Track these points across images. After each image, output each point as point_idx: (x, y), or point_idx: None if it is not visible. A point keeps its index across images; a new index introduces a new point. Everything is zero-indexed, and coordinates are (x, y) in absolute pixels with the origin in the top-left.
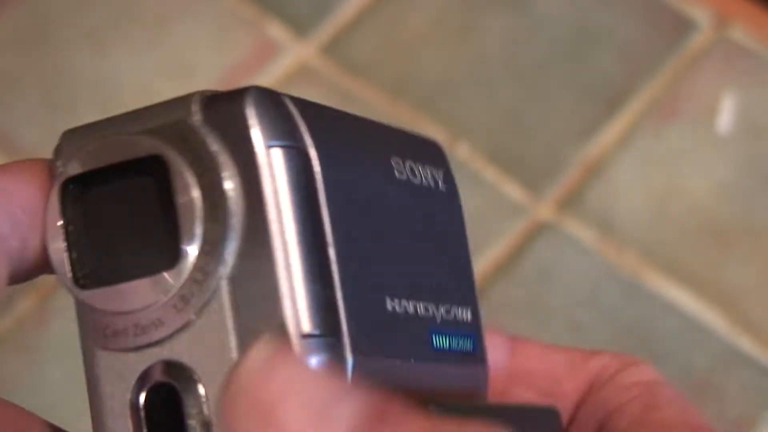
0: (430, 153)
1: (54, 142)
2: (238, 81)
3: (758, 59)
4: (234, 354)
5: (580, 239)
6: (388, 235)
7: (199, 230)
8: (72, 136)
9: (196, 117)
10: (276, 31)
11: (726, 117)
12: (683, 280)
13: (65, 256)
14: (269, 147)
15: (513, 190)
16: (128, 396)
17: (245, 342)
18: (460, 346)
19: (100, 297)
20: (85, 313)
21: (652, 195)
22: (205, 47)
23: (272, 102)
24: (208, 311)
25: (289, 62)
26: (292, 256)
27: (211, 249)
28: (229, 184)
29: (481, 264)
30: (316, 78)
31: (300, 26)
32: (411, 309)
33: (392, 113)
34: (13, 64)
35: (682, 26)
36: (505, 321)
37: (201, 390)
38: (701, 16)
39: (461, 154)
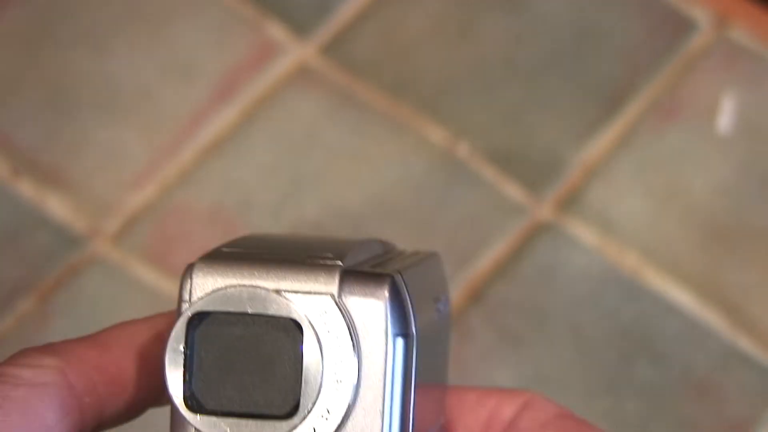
0: (442, 277)
1: (53, 142)
2: (238, 81)
3: (758, 59)
4: None
5: (580, 239)
6: (429, 378)
7: (320, 395)
8: (206, 269)
9: (335, 293)
10: (276, 31)
11: (726, 117)
12: (683, 280)
13: (181, 379)
14: (395, 337)
15: (513, 190)
16: None
17: None
18: None
19: (209, 424)
20: (185, 430)
21: (652, 195)
22: (205, 47)
23: (401, 293)
24: None
25: (289, 62)
26: (393, 429)
27: (327, 414)
28: (355, 364)
29: (481, 264)
30: (316, 78)
31: (300, 26)
32: None
33: (392, 113)
34: (13, 64)
35: (682, 26)
36: (505, 321)
37: None
38: (701, 16)
39: (461, 154)
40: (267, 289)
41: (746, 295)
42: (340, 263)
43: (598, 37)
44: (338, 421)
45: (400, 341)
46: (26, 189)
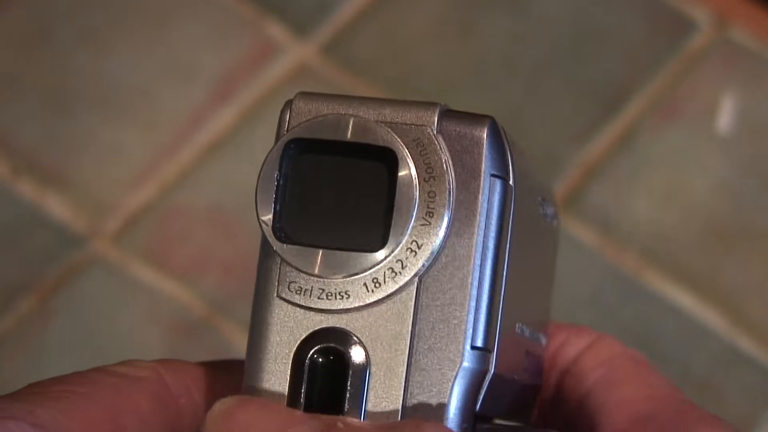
0: (552, 191)
1: (53, 142)
2: (238, 81)
3: (758, 59)
4: (407, 345)
5: (580, 239)
6: (526, 263)
7: (410, 228)
8: (307, 99)
9: (434, 126)
10: (276, 31)
11: (726, 117)
12: (683, 280)
13: (271, 206)
14: (492, 176)
15: None
16: (294, 348)
17: (418, 337)
18: (533, 366)
19: (296, 254)
20: (272, 261)
21: (652, 195)
22: (205, 47)
23: (500, 135)
24: (395, 300)
25: (289, 62)
26: (484, 277)
27: (416, 248)
28: (450, 197)
29: None
30: (316, 78)
31: (300, 26)
32: (527, 332)
33: None
34: (13, 64)
35: (682, 26)
36: None
37: (367, 367)
38: (701, 16)
39: None
40: (366, 118)
41: (746, 295)
42: (441, 103)
43: (598, 37)
44: (426, 256)
45: (497, 182)
46: (26, 189)
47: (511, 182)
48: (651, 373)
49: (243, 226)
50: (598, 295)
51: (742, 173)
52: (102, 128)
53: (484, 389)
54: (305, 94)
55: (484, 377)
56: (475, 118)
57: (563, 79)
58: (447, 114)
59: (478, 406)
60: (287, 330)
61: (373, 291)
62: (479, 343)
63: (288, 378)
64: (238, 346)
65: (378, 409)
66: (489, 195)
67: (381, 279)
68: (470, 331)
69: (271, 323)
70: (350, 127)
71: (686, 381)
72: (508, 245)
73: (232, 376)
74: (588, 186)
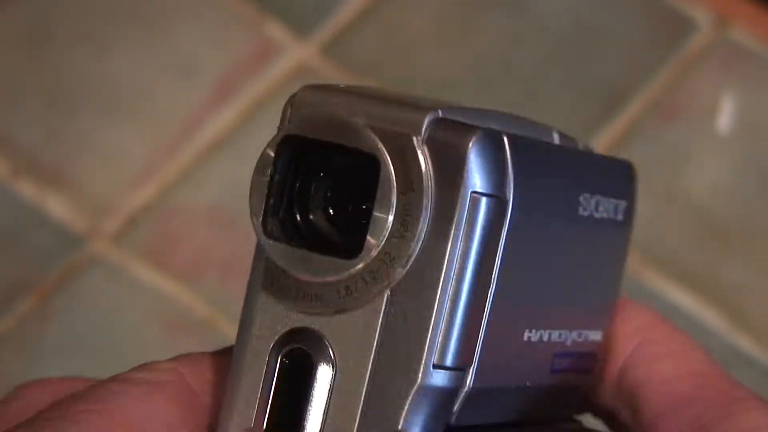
0: (619, 183)
1: (53, 142)
2: (238, 81)
3: (758, 59)
4: (371, 354)
5: None
6: (549, 269)
7: (383, 240)
8: (309, 93)
9: (421, 135)
10: (276, 31)
11: (726, 117)
12: (683, 280)
13: (262, 202)
14: (475, 194)
15: None
16: (272, 343)
17: (384, 348)
18: (578, 365)
19: (279, 252)
20: (262, 255)
21: (652, 195)
22: (204, 47)
23: (493, 148)
24: (363, 311)
25: (289, 62)
26: (460, 295)
27: (388, 260)
28: (425, 213)
29: None
30: (316, 78)
31: (300, 26)
32: (546, 337)
33: None
34: (13, 64)
35: (682, 26)
36: None
37: (333, 371)
38: (701, 16)
39: None
40: (356, 122)
41: (746, 295)
42: (439, 111)
43: (598, 37)
44: (398, 270)
45: (482, 199)
46: (26, 189)
47: (508, 197)
48: (688, 343)
49: (243, 226)
50: None
51: (742, 173)
52: (102, 128)
53: (458, 405)
54: (309, 88)
55: (455, 395)
56: (465, 130)
57: (563, 79)
58: (438, 123)
59: (453, 420)
60: (268, 324)
61: (344, 298)
62: (448, 362)
63: (263, 374)
64: None
65: (337, 419)
66: (469, 212)
67: (352, 287)
68: (435, 349)
69: (256, 316)
70: (340, 129)
71: None
72: (499, 260)
73: None
74: None
